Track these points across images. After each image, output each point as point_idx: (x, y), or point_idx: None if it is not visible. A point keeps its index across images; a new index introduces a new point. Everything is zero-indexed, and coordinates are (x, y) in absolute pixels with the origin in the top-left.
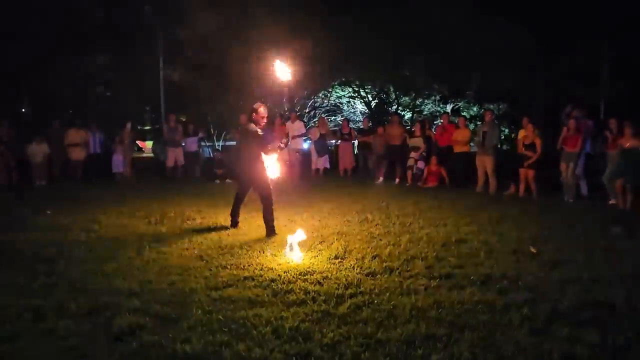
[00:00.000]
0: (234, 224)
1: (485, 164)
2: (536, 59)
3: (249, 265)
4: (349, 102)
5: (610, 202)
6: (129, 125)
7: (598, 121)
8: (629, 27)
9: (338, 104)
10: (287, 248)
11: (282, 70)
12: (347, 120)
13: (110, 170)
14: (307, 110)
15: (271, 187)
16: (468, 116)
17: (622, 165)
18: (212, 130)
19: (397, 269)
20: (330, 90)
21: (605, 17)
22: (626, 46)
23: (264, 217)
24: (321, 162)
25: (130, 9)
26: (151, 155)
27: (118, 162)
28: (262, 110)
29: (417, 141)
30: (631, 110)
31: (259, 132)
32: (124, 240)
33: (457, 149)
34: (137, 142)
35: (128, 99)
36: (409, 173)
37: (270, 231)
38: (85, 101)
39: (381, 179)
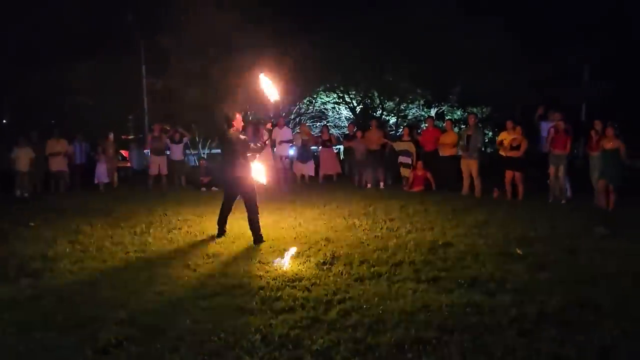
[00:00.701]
0: (221, 232)
1: (470, 167)
2: (518, 62)
3: (236, 274)
4: (333, 108)
5: (594, 203)
6: (111, 135)
7: (579, 123)
8: (608, 29)
9: (323, 110)
10: (278, 258)
11: (270, 90)
12: (327, 126)
13: (94, 180)
14: (292, 117)
15: (257, 193)
16: (452, 120)
17: (605, 166)
18: (197, 138)
19: (385, 273)
20: (314, 96)
21: (585, 18)
22: (606, 47)
23: (250, 225)
24: (305, 169)
25: (113, 18)
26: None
27: (101, 172)
28: (238, 115)
29: (407, 145)
30: (612, 111)
31: (242, 137)
32: (110, 251)
33: (445, 152)
34: (121, 151)
35: (111, 109)
36: (405, 180)
37: (258, 238)
38: (65, 111)
39: (369, 185)
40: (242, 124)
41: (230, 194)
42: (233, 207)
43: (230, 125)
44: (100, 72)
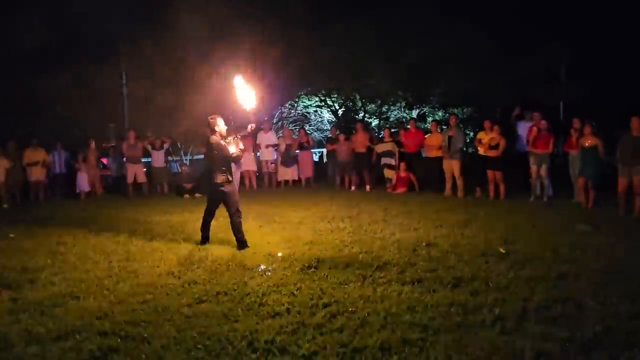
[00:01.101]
0: (204, 239)
1: (452, 167)
2: (496, 62)
3: (221, 280)
4: (315, 111)
5: (574, 200)
6: (93, 143)
7: (558, 122)
8: (584, 29)
9: (305, 113)
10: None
11: (246, 95)
12: (304, 129)
13: (75, 189)
14: (274, 121)
15: (238, 199)
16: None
17: (583, 163)
18: (179, 144)
19: (370, 276)
20: (296, 100)
21: (561, 19)
22: (582, 48)
23: (233, 230)
24: (289, 174)
25: (91, 24)
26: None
27: (83, 181)
28: (220, 120)
29: (389, 146)
30: (588, 110)
31: (222, 143)
32: (92, 261)
33: (430, 153)
34: (101, 159)
35: (91, 117)
36: (389, 182)
37: (241, 244)
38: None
39: (353, 187)
40: (226, 128)
41: (212, 200)
42: (217, 213)
43: (213, 131)
44: (79, 81)
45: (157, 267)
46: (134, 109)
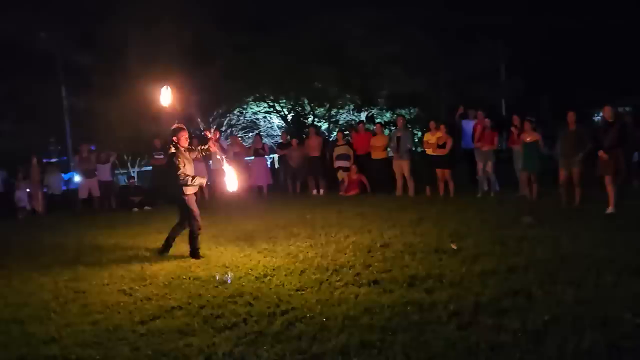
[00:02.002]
0: (165, 249)
1: (402, 167)
2: (438, 63)
3: (175, 294)
4: (265, 117)
5: (520, 194)
6: (34, 160)
7: (500, 118)
8: (521, 28)
9: (254, 120)
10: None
11: (164, 96)
12: (260, 135)
13: (13, 208)
14: (223, 129)
15: (195, 208)
16: (382, 122)
17: (526, 158)
18: (125, 156)
19: (327, 280)
20: (245, 107)
21: (498, 18)
22: (519, 46)
23: (189, 240)
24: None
25: (25, 36)
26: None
27: (22, 198)
28: (183, 129)
29: (344, 149)
30: (526, 106)
31: (171, 151)
32: (37, 283)
33: (375, 155)
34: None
35: (30, 132)
36: (341, 184)
37: (195, 254)
38: None
39: (315, 191)
40: (186, 137)
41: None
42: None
43: (171, 142)
44: (16, 95)
45: (107, 285)
46: (77, 123)
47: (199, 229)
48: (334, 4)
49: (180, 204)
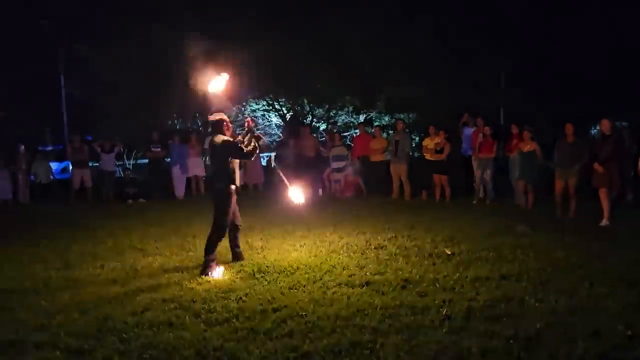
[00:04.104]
0: (237, 257)
1: (399, 171)
2: (438, 69)
3: (167, 287)
4: (263, 115)
5: (515, 202)
6: (22, 148)
7: (498, 127)
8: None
9: (253, 117)
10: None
11: (217, 81)
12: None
13: None
14: None
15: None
16: (381, 126)
17: (522, 167)
18: (122, 149)
19: (320, 279)
20: (244, 104)
21: (501, 29)
22: (521, 56)
23: (206, 242)
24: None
25: (27, 23)
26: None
27: (5, 188)
28: (224, 116)
29: (341, 150)
30: (525, 115)
31: (226, 139)
32: (29, 271)
33: (375, 158)
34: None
35: (26, 119)
36: (337, 186)
37: (204, 266)
38: None
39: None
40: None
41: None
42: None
43: (219, 130)
44: (14, 81)
45: (99, 275)
46: (74, 112)
47: (221, 237)
48: (338, 4)
49: (219, 199)
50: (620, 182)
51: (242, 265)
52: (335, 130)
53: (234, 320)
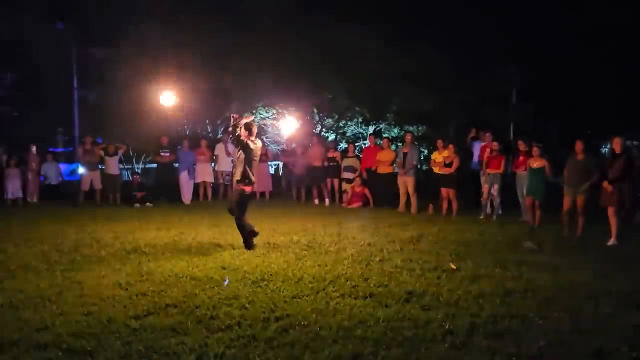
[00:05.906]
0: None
1: (406, 184)
2: (449, 83)
3: (171, 292)
4: (272, 123)
5: (522, 219)
6: (34, 148)
7: (507, 142)
8: (534, 54)
9: (262, 125)
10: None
11: (166, 98)
12: (263, 139)
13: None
14: None
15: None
16: (389, 138)
17: (531, 183)
18: (130, 152)
19: (323, 289)
20: (254, 112)
21: (512, 43)
22: (532, 72)
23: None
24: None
25: (41, 25)
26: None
27: (9, 187)
28: (251, 120)
29: (352, 161)
30: (534, 131)
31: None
32: (34, 270)
33: (382, 169)
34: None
35: (38, 120)
36: (344, 196)
37: (247, 244)
38: None
39: (316, 200)
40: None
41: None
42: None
43: (251, 132)
44: (28, 82)
45: (103, 277)
46: (86, 114)
47: (242, 218)
48: (350, 17)
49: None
50: (630, 202)
51: (246, 272)
52: (348, 141)
53: (236, 327)
